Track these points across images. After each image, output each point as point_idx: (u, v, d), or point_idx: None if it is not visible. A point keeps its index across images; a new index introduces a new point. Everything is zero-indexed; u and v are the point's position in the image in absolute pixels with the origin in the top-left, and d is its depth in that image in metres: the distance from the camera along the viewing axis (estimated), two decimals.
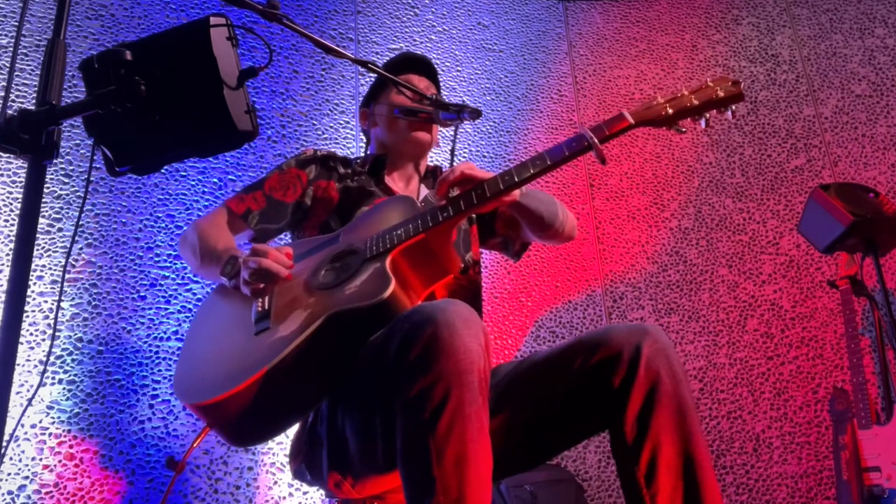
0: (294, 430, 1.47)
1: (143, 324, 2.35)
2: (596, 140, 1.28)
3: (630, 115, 1.30)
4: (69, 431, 2.14)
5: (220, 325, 1.39)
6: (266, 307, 1.33)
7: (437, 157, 2.84)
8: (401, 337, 1.12)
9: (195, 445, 1.23)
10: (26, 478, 2.05)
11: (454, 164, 1.77)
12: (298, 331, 1.23)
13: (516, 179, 1.31)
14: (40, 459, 2.08)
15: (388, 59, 1.82)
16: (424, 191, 1.74)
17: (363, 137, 1.86)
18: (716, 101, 1.28)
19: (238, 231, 1.57)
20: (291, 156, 1.75)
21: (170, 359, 2.34)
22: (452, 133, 1.69)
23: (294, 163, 1.65)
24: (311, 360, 1.23)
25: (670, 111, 1.29)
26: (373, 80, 1.77)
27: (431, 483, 1.03)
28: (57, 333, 2.22)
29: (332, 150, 1.65)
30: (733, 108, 1.29)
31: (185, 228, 2.52)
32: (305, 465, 1.40)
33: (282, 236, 1.74)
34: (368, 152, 1.76)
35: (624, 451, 1.22)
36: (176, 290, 2.43)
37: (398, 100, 1.66)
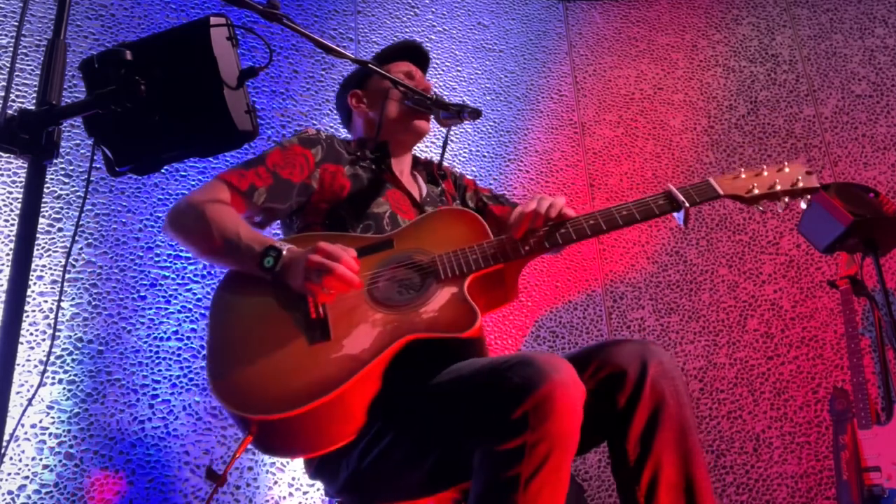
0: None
1: (143, 324, 2.35)
2: (688, 204, 1.37)
3: (718, 186, 1.42)
4: (69, 431, 2.14)
5: (261, 322, 1.29)
6: (321, 314, 1.25)
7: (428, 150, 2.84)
8: (510, 388, 1.10)
9: (237, 456, 1.20)
10: (26, 478, 2.05)
11: (444, 160, 1.76)
12: (372, 351, 1.20)
13: (604, 228, 1.41)
14: (40, 459, 2.08)
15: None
16: (422, 185, 1.73)
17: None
18: (798, 191, 1.43)
19: (242, 210, 1.44)
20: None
21: (170, 359, 2.34)
22: (445, 131, 1.68)
23: (297, 141, 1.54)
24: (381, 382, 1.21)
25: (756, 192, 1.43)
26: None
27: None
28: (57, 333, 2.22)
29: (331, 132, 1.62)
30: (808, 197, 1.44)
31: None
32: (317, 469, 1.38)
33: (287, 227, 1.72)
34: (353, 136, 1.74)
35: (625, 469, 1.23)
36: (176, 290, 2.43)
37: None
